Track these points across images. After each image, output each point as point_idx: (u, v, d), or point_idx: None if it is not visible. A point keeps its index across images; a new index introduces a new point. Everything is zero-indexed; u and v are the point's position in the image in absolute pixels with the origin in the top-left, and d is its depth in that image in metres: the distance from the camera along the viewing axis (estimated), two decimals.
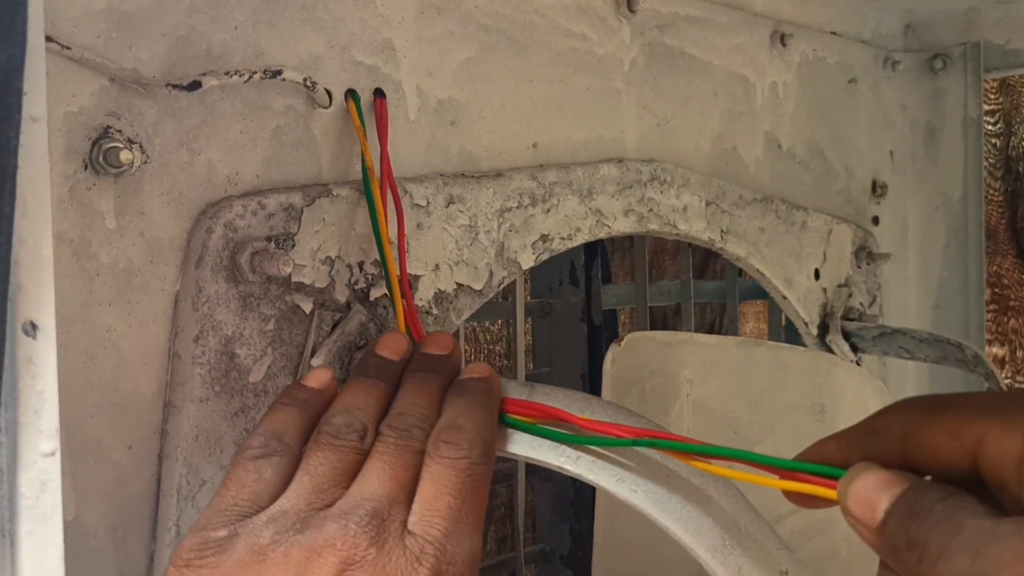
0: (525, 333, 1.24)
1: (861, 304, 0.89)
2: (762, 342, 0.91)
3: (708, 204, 0.72)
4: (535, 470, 1.20)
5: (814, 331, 0.85)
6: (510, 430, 0.43)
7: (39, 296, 0.31)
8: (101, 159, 0.41)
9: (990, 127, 1.88)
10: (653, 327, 1.39)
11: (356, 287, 0.50)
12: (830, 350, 0.85)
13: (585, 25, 0.64)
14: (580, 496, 1.22)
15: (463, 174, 0.56)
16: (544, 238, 0.60)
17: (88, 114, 0.41)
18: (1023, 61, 0.94)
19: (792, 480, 0.38)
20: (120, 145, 0.41)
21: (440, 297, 0.54)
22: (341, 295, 0.49)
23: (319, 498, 0.38)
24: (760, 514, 0.43)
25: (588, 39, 0.64)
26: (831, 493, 0.36)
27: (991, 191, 1.87)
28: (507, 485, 1.10)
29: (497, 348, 1.56)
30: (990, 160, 1.87)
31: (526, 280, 1.31)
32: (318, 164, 0.49)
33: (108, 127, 0.42)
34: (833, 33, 0.88)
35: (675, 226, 0.70)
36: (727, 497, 0.42)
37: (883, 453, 0.36)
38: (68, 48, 0.40)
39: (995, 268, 1.86)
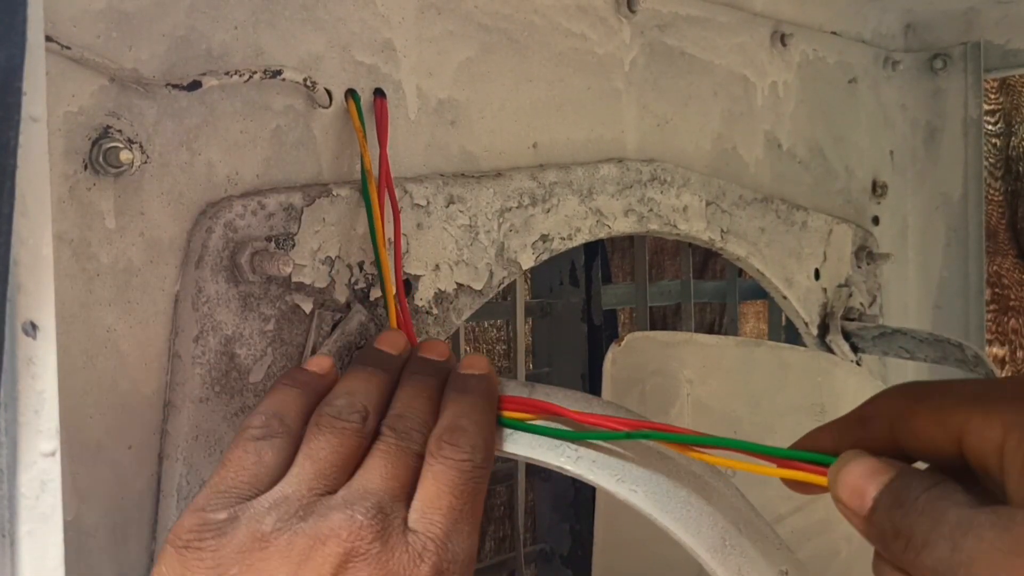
0: (525, 333, 1.24)
1: (861, 304, 0.89)
2: (762, 342, 0.91)
3: (708, 204, 0.72)
4: (535, 470, 1.20)
5: (814, 331, 0.85)
6: (509, 430, 0.43)
7: (39, 296, 0.31)
8: (101, 159, 0.41)
9: (990, 127, 1.88)
10: (653, 327, 1.39)
11: (356, 287, 0.50)
12: (830, 350, 0.85)
13: (585, 25, 0.64)
14: (580, 496, 1.22)
15: (463, 174, 0.56)
16: (544, 238, 0.60)
17: (88, 114, 0.41)
18: (1023, 61, 0.94)
19: (786, 468, 0.38)
20: (120, 145, 0.41)
21: (440, 297, 0.54)
22: (341, 295, 0.49)
23: (321, 484, 0.38)
24: (760, 514, 0.43)
25: (588, 39, 0.64)
26: (823, 480, 0.37)
27: (991, 191, 1.87)
28: (507, 485, 1.11)
29: (497, 348, 1.56)
30: (990, 160, 1.87)
31: (526, 280, 1.31)
32: (318, 164, 0.49)
33: (108, 127, 0.42)
34: (833, 33, 0.88)
35: (675, 226, 0.70)
36: (727, 497, 0.42)
37: (874, 441, 0.37)
38: (68, 48, 0.40)
39: (995, 268, 1.86)
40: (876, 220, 0.95)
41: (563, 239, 0.61)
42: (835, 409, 0.74)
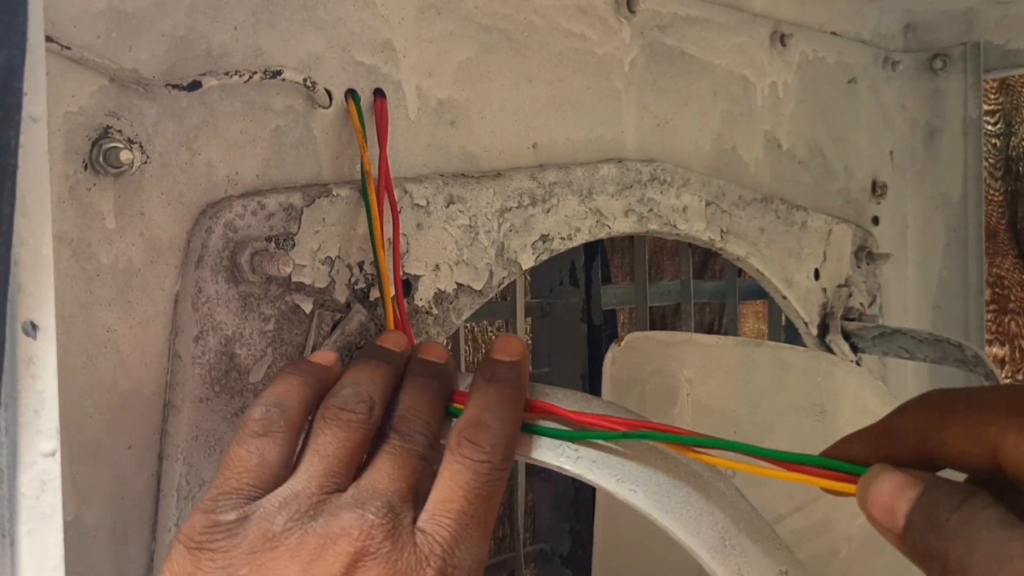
0: (525, 333, 1.24)
1: (861, 304, 0.89)
2: (762, 342, 0.91)
3: (708, 204, 0.72)
4: (535, 470, 1.20)
5: (814, 331, 0.85)
6: None
7: (39, 296, 0.31)
8: (101, 159, 0.41)
9: (990, 127, 1.88)
10: (653, 327, 1.39)
11: (356, 287, 0.50)
12: (830, 350, 0.85)
13: (585, 25, 0.64)
14: (580, 496, 1.22)
15: (463, 174, 0.56)
16: (544, 238, 0.60)
17: (88, 114, 0.41)
18: (1023, 61, 0.94)
19: (811, 475, 0.38)
20: (120, 145, 0.41)
21: (440, 297, 0.54)
22: (341, 295, 0.49)
23: (330, 481, 0.37)
24: (760, 514, 0.43)
25: (588, 39, 0.64)
26: (850, 487, 0.36)
27: (991, 191, 1.87)
28: (507, 485, 1.10)
29: None
30: (990, 160, 1.87)
31: (526, 280, 1.31)
32: (318, 164, 0.49)
33: (108, 127, 0.42)
34: (833, 33, 0.88)
35: (675, 226, 0.70)
36: (727, 497, 0.42)
37: (904, 453, 0.36)
38: (68, 48, 0.40)
39: (995, 268, 1.86)
40: (876, 220, 0.95)
41: (563, 239, 0.61)
42: (835, 409, 0.74)
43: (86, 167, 0.41)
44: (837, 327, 0.85)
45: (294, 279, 0.47)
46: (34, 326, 0.31)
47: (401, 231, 0.51)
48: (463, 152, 0.57)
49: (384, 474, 0.38)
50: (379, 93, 0.52)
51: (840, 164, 0.90)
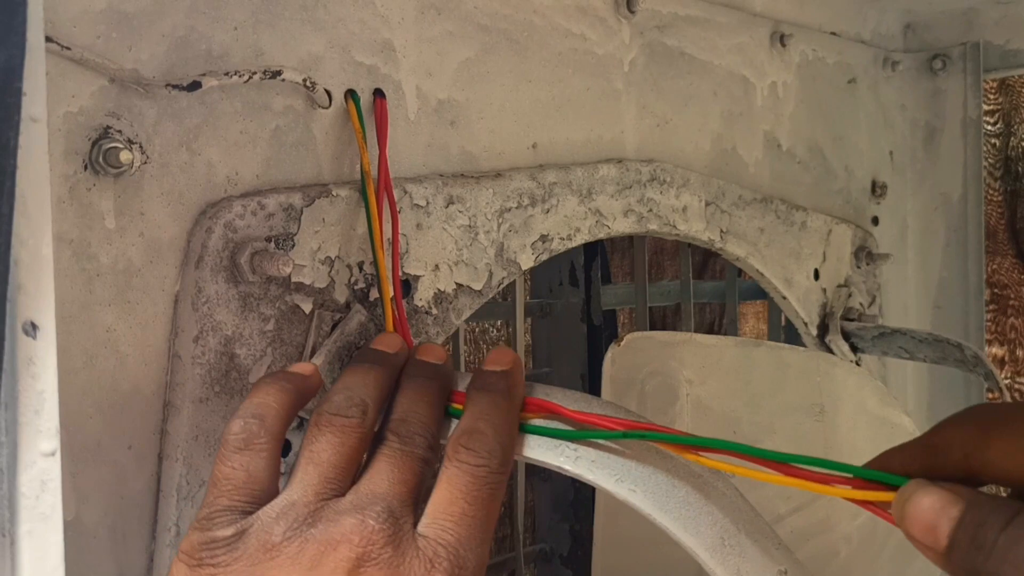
0: (525, 333, 1.24)
1: (861, 304, 0.89)
2: (762, 342, 0.91)
3: (708, 204, 0.72)
4: (535, 470, 1.20)
5: (814, 331, 0.85)
6: None
7: (39, 296, 0.31)
8: (101, 159, 0.41)
9: (990, 127, 1.88)
10: (653, 327, 1.39)
11: (356, 287, 0.50)
12: (830, 350, 0.85)
13: (585, 25, 0.64)
14: (580, 496, 1.22)
15: (463, 174, 0.56)
16: (544, 238, 0.60)
17: (88, 114, 0.41)
18: (1023, 61, 0.94)
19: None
20: (120, 145, 0.41)
21: (440, 297, 0.54)
22: (341, 295, 0.49)
23: (327, 488, 0.37)
24: (759, 514, 0.43)
25: (588, 39, 0.64)
26: (886, 496, 0.36)
27: (991, 191, 1.87)
28: (507, 485, 1.10)
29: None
30: (990, 160, 1.87)
31: (526, 280, 1.31)
32: (318, 164, 0.49)
33: (108, 127, 0.42)
34: (833, 33, 0.88)
35: (675, 226, 0.70)
36: (727, 497, 0.42)
37: (947, 469, 0.35)
38: (68, 48, 0.40)
39: (994, 268, 1.86)
40: (876, 220, 0.95)
41: (562, 239, 0.61)
42: (835, 409, 0.74)
43: (86, 167, 0.41)
44: (837, 327, 0.85)
45: (294, 279, 0.47)
46: (34, 326, 0.31)
47: (401, 231, 0.51)
48: (463, 152, 0.57)
49: (383, 477, 0.38)
50: (379, 93, 0.52)
51: (840, 164, 0.90)
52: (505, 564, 1.16)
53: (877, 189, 0.95)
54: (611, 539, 0.63)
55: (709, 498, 0.41)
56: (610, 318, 1.29)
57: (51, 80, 0.39)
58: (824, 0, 0.86)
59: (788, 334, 1.10)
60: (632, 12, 0.67)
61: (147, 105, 0.43)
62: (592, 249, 1.21)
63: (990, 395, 1.03)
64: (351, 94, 0.50)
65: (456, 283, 0.55)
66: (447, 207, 0.54)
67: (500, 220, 0.57)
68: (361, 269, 0.50)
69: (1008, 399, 0.74)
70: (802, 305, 0.83)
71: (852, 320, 0.87)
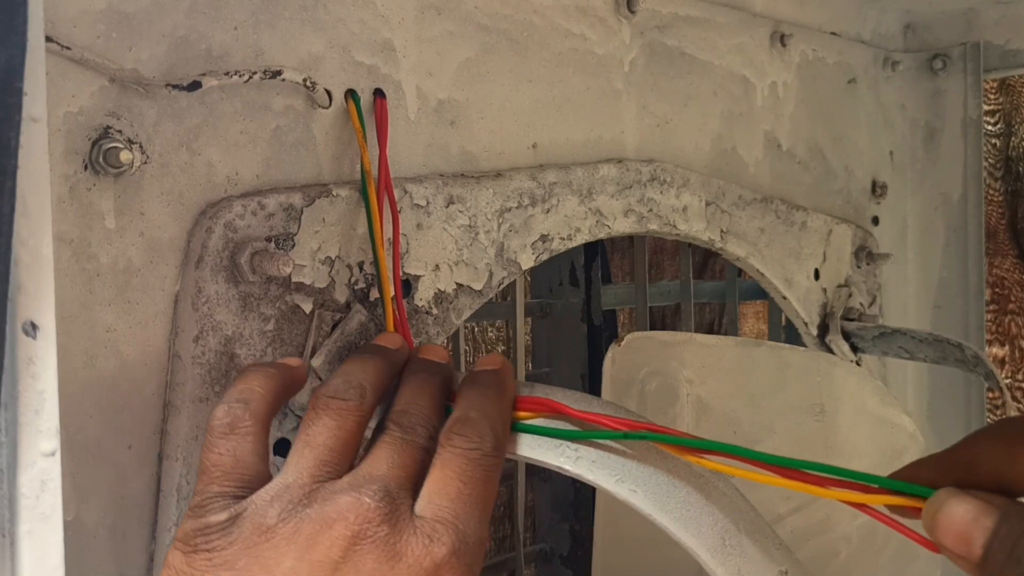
0: (525, 333, 1.24)
1: (861, 304, 0.89)
2: (762, 342, 0.91)
3: (708, 204, 0.72)
4: (535, 470, 1.20)
5: (814, 331, 0.85)
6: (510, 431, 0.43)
7: (39, 296, 0.31)
8: (101, 159, 0.41)
9: (990, 127, 1.88)
10: (653, 327, 1.39)
11: (356, 287, 0.50)
12: (830, 350, 0.85)
13: (585, 25, 0.64)
14: (580, 496, 1.22)
15: (463, 174, 0.56)
16: (544, 238, 0.60)
17: (88, 114, 0.41)
18: (1023, 61, 0.94)
19: (869, 494, 0.37)
20: (120, 145, 0.41)
21: (440, 297, 0.54)
22: (341, 295, 0.49)
23: (322, 471, 0.37)
24: (760, 514, 0.43)
25: (588, 39, 0.64)
26: (914, 503, 0.35)
27: (991, 191, 1.87)
28: (507, 485, 1.10)
29: (497, 348, 1.56)
30: (990, 160, 1.87)
31: (526, 280, 1.31)
32: (318, 164, 0.49)
33: (108, 127, 0.42)
34: (833, 33, 0.88)
35: (675, 226, 0.70)
36: (727, 497, 0.42)
37: (976, 483, 0.35)
38: (68, 48, 0.40)
39: (995, 269, 1.86)
40: (876, 220, 0.95)
41: (563, 239, 0.61)
42: (835, 409, 0.74)
43: (86, 167, 0.41)
44: (837, 327, 0.85)
45: (294, 279, 0.47)
46: (34, 326, 0.31)
47: (401, 231, 0.51)
48: (463, 152, 0.57)
49: (383, 462, 0.38)
50: (379, 93, 0.52)
51: (840, 164, 0.90)
52: (505, 564, 1.16)
53: (877, 189, 0.95)
54: (611, 539, 0.63)
55: (710, 498, 0.41)
56: (610, 318, 1.29)
57: (51, 80, 0.39)
58: (824, 0, 0.86)
59: (788, 334, 1.10)
60: (632, 12, 0.67)
61: (147, 105, 0.43)
62: (592, 249, 1.21)
63: (990, 395, 1.03)
64: (351, 94, 0.50)
65: (456, 283, 0.55)
66: (447, 207, 0.54)
67: (500, 220, 0.57)
68: (361, 269, 0.50)
69: (1008, 399, 0.74)
70: (802, 305, 0.83)
71: (852, 320, 0.87)
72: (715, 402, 0.67)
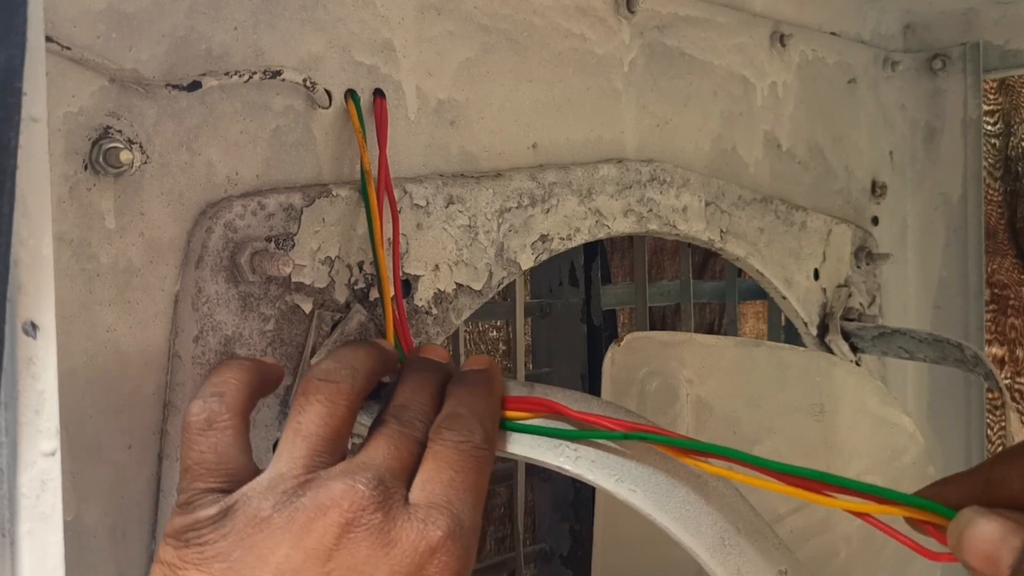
0: (525, 333, 1.24)
1: (861, 304, 0.89)
2: (762, 342, 0.91)
3: (708, 204, 0.72)
4: (535, 470, 1.20)
5: (814, 331, 0.85)
6: (508, 430, 0.43)
7: (39, 296, 0.31)
8: (101, 159, 0.41)
9: (990, 127, 1.88)
10: (653, 327, 1.39)
11: (356, 287, 0.50)
12: (830, 350, 0.85)
13: (585, 25, 0.64)
14: (580, 496, 1.22)
15: (463, 174, 0.56)
16: (544, 238, 0.60)
17: (88, 114, 0.41)
18: (1022, 61, 0.94)
19: (893, 509, 0.36)
20: (120, 145, 0.41)
21: (440, 297, 0.54)
22: (341, 295, 0.49)
23: (315, 460, 0.37)
24: (759, 514, 0.43)
25: (588, 39, 0.64)
26: (940, 519, 0.35)
27: (991, 191, 1.87)
28: (507, 485, 1.11)
29: (497, 348, 1.56)
30: (990, 160, 1.87)
31: (526, 280, 1.31)
32: (318, 164, 0.49)
33: (108, 127, 0.42)
34: (832, 33, 0.88)
35: (675, 226, 0.70)
36: (726, 497, 0.42)
37: (1007, 502, 0.35)
38: (68, 48, 0.40)
39: (995, 268, 1.86)
40: (875, 220, 0.95)
41: (562, 239, 0.61)
42: (835, 409, 0.74)
43: (86, 167, 0.41)
44: (837, 327, 0.85)
45: (294, 279, 0.47)
46: (34, 326, 0.31)
47: (401, 231, 0.51)
48: (463, 152, 0.57)
49: (379, 452, 0.38)
50: (379, 93, 0.52)
51: (840, 164, 0.90)
52: (505, 564, 1.17)
53: (877, 189, 0.95)
54: (611, 539, 0.63)
55: (709, 498, 0.41)
56: (610, 318, 1.29)
57: (51, 80, 0.39)
58: (824, 0, 0.86)
59: (788, 334, 1.10)
60: (632, 12, 0.67)
61: (147, 105, 0.43)
62: (592, 249, 1.20)
63: (990, 395, 1.03)
64: (351, 94, 0.50)
65: (456, 283, 0.55)
66: (447, 207, 0.54)
67: (500, 220, 0.57)
68: (361, 269, 0.50)
69: (1008, 399, 0.74)
70: (802, 305, 0.83)
71: (852, 320, 0.87)
72: (715, 402, 0.67)
